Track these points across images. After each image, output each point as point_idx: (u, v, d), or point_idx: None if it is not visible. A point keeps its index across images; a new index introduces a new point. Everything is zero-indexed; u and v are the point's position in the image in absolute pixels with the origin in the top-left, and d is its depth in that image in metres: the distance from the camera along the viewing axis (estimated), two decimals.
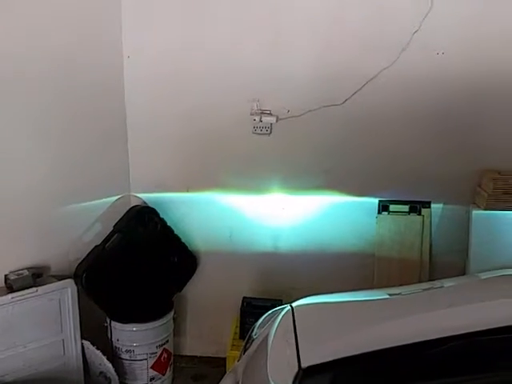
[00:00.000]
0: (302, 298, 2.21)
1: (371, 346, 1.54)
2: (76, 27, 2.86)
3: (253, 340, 2.06)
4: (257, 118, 3.08)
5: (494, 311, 1.69)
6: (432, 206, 3.04)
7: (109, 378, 2.92)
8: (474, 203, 2.91)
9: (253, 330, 2.18)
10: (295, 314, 1.93)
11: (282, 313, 2.00)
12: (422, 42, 2.88)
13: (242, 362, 1.96)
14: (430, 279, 2.96)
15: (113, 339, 3.03)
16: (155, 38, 3.08)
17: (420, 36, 2.88)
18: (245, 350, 2.09)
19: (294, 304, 2.07)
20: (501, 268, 2.51)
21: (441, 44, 2.89)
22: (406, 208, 3.03)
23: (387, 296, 2.03)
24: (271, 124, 3.09)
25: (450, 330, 1.53)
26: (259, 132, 3.11)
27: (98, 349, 2.89)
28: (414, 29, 2.88)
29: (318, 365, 1.52)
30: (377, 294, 2.15)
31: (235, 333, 3.09)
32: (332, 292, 2.24)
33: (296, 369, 1.52)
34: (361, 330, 1.69)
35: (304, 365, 1.53)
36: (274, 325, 1.93)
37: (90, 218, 3.09)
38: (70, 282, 2.81)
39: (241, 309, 3.07)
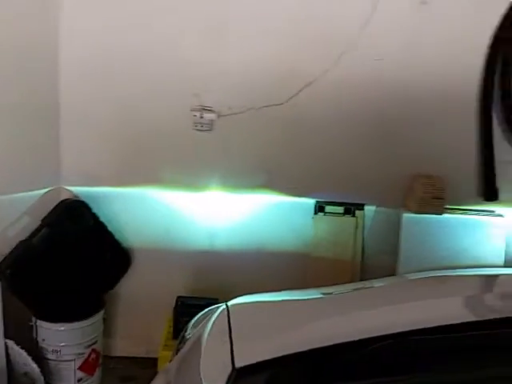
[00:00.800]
0: (237, 296, 2.21)
1: (306, 344, 1.55)
2: (10, 6, 2.71)
3: (186, 340, 2.02)
4: (197, 114, 3.04)
5: (423, 311, 1.75)
6: (365, 208, 3.12)
7: (34, 378, 2.79)
8: (405, 206, 3.01)
9: (186, 330, 2.13)
10: (230, 313, 1.91)
11: (217, 312, 1.98)
12: (362, 48, 2.94)
13: (174, 362, 1.92)
14: (361, 279, 3.05)
15: (38, 339, 2.90)
16: (94, 18, 2.94)
17: (360, 41, 2.93)
18: (177, 350, 2.04)
19: (229, 303, 2.05)
20: (429, 270, 2.62)
21: (379, 50, 2.96)
22: (341, 209, 3.10)
23: (321, 295, 2.06)
24: (212, 121, 3.06)
25: (381, 329, 1.57)
26: (200, 128, 3.07)
27: (22, 348, 2.76)
28: (355, 34, 2.93)
29: (252, 365, 1.51)
30: (311, 294, 2.17)
31: (168, 332, 3.03)
32: (268, 291, 2.24)
33: (230, 369, 1.51)
34: (296, 329, 1.70)
35: (238, 365, 1.52)
36: (209, 324, 1.90)
37: (16, 211, 2.93)
38: None
39: (174, 308, 3.02)
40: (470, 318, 1.75)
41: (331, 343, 1.52)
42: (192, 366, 1.68)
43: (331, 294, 2.08)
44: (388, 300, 1.94)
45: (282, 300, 2.08)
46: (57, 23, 2.92)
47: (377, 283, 2.24)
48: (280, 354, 1.51)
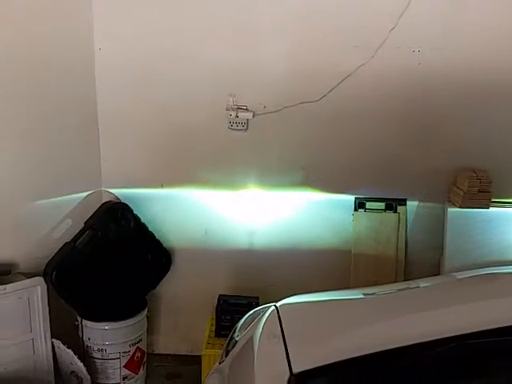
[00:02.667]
0: (278, 294, 2.19)
1: (364, 349, 1.52)
2: (46, 19, 2.76)
3: (236, 342, 2.01)
4: (233, 114, 3.03)
5: (479, 313, 1.71)
6: (407, 203, 3.07)
7: (80, 377, 2.83)
8: (450, 201, 2.95)
9: (234, 331, 2.13)
10: (281, 315, 1.89)
11: (267, 313, 1.96)
12: (398, 40, 2.89)
13: (226, 364, 1.92)
14: (405, 276, 3.01)
15: (84, 338, 2.95)
16: (127, 29, 2.99)
17: (397, 33, 2.88)
18: (227, 351, 2.04)
19: (278, 304, 2.03)
20: (475, 265, 2.56)
21: (417, 42, 2.90)
22: (382, 205, 3.06)
23: (370, 296, 2.02)
24: (247, 120, 3.05)
25: (441, 333, 1.54)
26: (235, 128, 3.06)
27: (68, 348, 2.80)
28: (391, 26, 2.88)
29: (310, 370, 1.49)
30: (358, 294, 2.14)
31: (211, 331, 3.04)
32: (309, 289, 2.23)
33: (287, 375, 1.49)
34: (350, 332, 1.68)
35: (296, 370, 1.50)
36: (259, 325, 1.89)
37: (59, 214, 2.99)
38: (39, 279, 2.71)
39: (216, 306, 3.02)
40: None
41: (390, 347, 1.49)
42: (246, 369, 1.68)
43: (379, 294, 2.05)
44: (441, 301, 1.90)
45: (331, 300, 2.06)
46: (91, 34, 2.98)
47: (425, 283, 2.19)
48: (339, 359, 1.49)
